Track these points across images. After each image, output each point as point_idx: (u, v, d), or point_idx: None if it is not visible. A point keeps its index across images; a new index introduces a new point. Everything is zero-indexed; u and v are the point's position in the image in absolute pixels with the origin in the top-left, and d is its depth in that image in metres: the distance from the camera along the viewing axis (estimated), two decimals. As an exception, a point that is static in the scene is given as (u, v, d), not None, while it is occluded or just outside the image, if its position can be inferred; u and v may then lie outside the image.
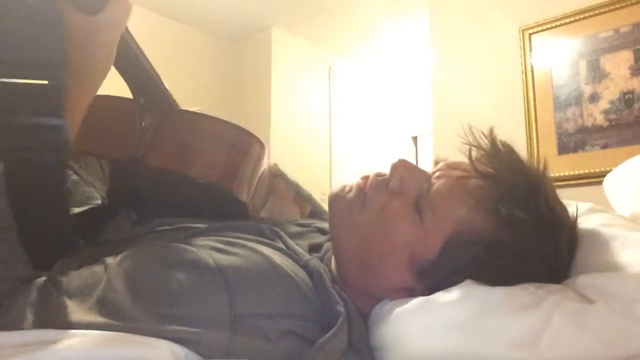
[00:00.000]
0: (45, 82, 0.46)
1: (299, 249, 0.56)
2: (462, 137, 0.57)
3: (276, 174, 0.81)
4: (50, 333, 0.40)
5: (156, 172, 0.61)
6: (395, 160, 0.59)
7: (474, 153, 0.57)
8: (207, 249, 0.49)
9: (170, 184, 0.65)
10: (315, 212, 0.87)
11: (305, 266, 0.53)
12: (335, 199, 0.61)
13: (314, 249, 0.65)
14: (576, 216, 0.58)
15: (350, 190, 0.60)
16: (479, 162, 0.56)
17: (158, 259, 0.48)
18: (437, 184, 0.56)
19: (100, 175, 0.70)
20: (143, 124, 0.60)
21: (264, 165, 0.71)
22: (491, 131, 0.58)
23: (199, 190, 0.63)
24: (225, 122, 0.65)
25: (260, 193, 0.73)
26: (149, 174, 0.63)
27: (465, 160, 0.57)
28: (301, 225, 0.72)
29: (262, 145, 0.68)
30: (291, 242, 0.57)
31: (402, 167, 0.58)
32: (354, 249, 0.58)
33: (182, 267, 0.46)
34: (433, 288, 0.54)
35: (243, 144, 0.66)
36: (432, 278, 0.54)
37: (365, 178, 0.60)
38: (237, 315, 0.44)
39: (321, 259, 0.62)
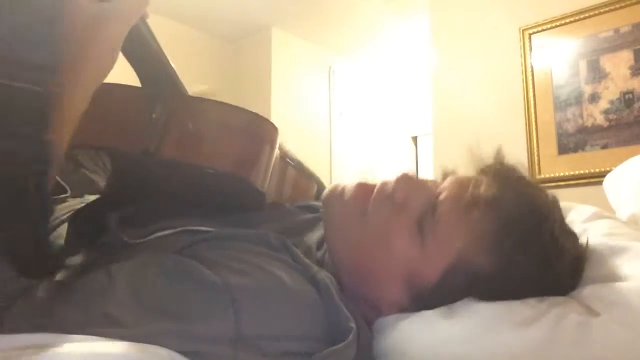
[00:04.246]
0: (28, 86, 0.36)
1: (306, 261, 0.54)
2: (468, 154, 0.57)
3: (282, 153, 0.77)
4: (52, 337, 0.40)
5: (170, 165, 0.58)
6: (399, 174, 0.58)
7: (480, 171, 0.57)
8: (215, 266, 0.47)
9: (185, 177, 0.61)
10: (321, 191, 0.85)
11: (312, 279, 0.51)
12: (330, 204, 0.59)
13: (321, 243, 0.63)
14: (587, 244, 0.57)
15: (343, 191, 0.59)
16: (485, 180, 0.56)
17: (164, 273, 0.47)
18: (441, 208, 0.55)
19: (101, 165, 0.67)
20: (153, 115, 0.56)
21: (277, 150, 0.67)
22: (498, 152, 0.58)
23: (215, 182, 0.60)
24: (238, 107, 0.61)
25: (274, 179, 0.69)
26: (162, 168, 0.59)
27: (469, 165, 0.57)
28: (311, 210, 0.70)
29: (276, 130, 0.64)
30: (299, 254, 0.55)
31: (406, 181, 0.57)
32: (350, 257, 0.57)
33: (189, 283, 0.45)
34: (427, 307, 0.54)
35: (260, 130, 0.62)
36: (427, 301, 0.54)
37: (364, 186, 0.59)
38: (242, 335, 0.43)
39: (323, 260, 0.61)
